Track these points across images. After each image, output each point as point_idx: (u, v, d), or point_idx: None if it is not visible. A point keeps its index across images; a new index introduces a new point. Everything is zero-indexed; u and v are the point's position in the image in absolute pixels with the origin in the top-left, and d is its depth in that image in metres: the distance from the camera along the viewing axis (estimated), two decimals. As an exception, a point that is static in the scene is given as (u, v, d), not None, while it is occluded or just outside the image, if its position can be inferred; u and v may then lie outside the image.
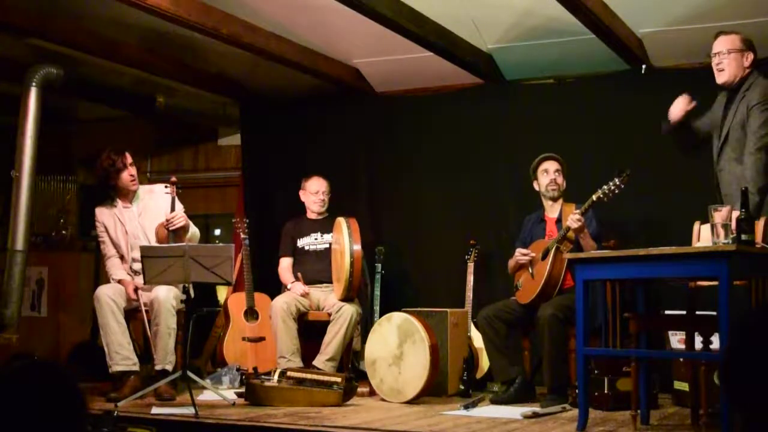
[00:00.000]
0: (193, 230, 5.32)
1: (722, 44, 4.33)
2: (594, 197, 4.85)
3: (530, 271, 5.18)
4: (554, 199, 5.26)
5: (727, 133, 4.30)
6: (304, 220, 6.08)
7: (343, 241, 5.46)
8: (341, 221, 5.57)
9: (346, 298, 5.48)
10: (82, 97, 6.85)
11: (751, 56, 4.29)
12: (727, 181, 4.32)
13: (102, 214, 5.37)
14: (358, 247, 5.44)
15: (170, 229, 5.15)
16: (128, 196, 5.37)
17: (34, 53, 5.90)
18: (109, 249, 5.35)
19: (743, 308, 3.72)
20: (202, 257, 4.60)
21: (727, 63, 4.30)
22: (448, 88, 6.45)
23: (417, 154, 6.49)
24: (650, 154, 5.60)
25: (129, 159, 5.30)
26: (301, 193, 6.09)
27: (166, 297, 5.02)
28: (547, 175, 5.22)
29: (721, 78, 4.34)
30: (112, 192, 5.36)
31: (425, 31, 5.29)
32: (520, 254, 5.20)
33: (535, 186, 5.32)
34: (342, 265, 5.46)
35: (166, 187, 5.27)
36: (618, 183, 4.76)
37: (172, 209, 5.21)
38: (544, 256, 5.08)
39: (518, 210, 5.80)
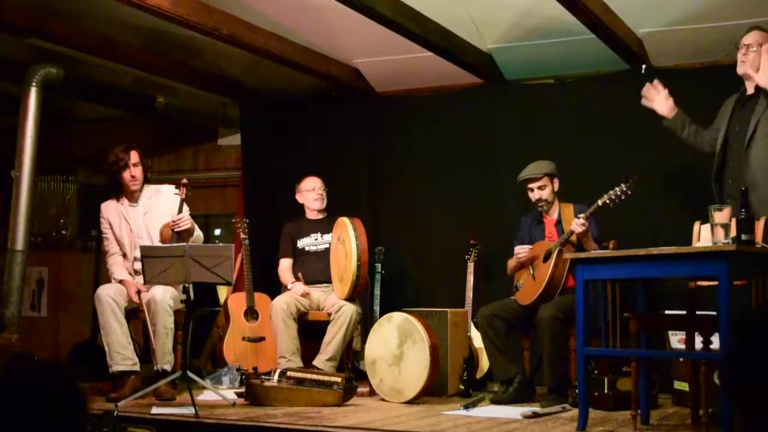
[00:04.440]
0: (198, 234, 5.32)
1: (753, 37, 4.36)
2: (599, 202, 4.82)
3: (531, 272, 5.17)
4: (546, 211, 5.26)
5: (757, 122, 4.31)
6: (304, 220, 6.08)
7: (349, 242, 5.44)
8: (345, 221, 5.55)
9: (350, 298, 5.48)
10: (82, 97, 6.84)
11: None
12: (762, 159, 4.31)
13: (108, 210, 5.37)
14: (365, 248, 5.43)
15: (175, 230, 5.14)
16: (134, 194, 5.36)
17: (34, 53, 5.90)
18: (112, 246, 5.34)
19: (743, 308, 3.72)
20: (202, 257, 4.60)
21: (752, 57, 4.33)
22: (448, 88, 6.44)
23: (417, 154, 6.48)
24: (650, 153, 5.60)
25: (135, 158, 5.28)
26: (297, 196, 6.09)
27: (163, 297, 5.01)
28: (532, 194, 5.22)
29: (741, 69, 4.39)
30: (118, 189, 5.36)
31: (425, 31, 5.29)
32: (519, 249, 5.19)
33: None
34: (347, 266, 5.45)
35: (176, 188, 5.26)
36: (624, 189, 4.73)
37: (180, 211, 5.20)
38: (546, 258, 5.08)
39: (518, 210, 5.79)
